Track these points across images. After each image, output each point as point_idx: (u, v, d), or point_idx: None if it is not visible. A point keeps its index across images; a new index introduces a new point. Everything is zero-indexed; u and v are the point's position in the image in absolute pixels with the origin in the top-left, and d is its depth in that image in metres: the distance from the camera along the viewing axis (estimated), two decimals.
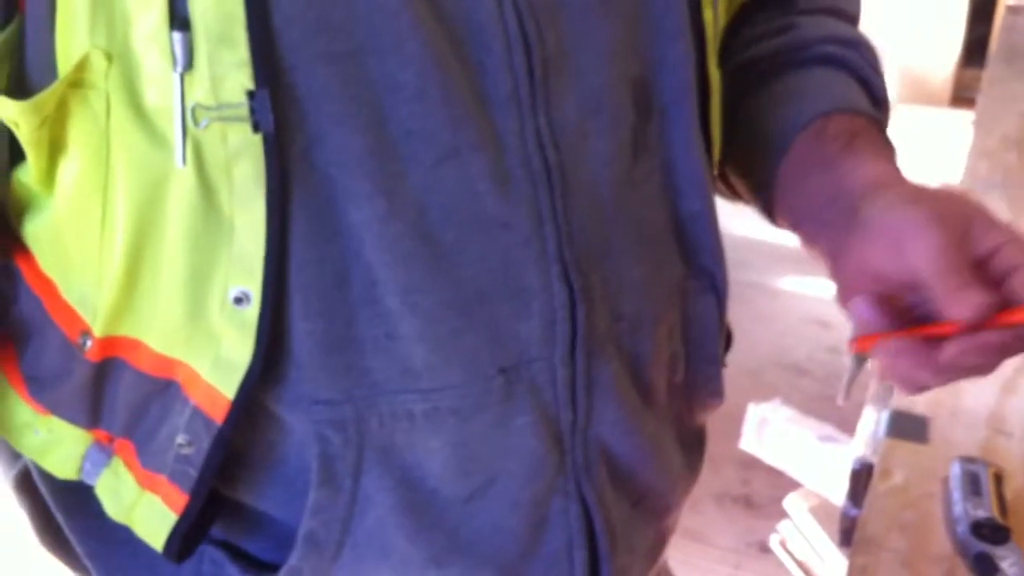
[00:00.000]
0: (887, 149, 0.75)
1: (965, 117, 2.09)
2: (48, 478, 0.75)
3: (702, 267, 0.76)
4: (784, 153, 0.76)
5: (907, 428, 1.02)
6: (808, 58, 0.81)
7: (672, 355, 0.76)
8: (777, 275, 3.35)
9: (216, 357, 0.63)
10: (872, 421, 1.68)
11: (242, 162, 0.59)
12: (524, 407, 0.68)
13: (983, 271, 0.61)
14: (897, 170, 0.72)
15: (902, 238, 0.63)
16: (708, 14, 0.72)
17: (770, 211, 0.79)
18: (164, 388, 0.66)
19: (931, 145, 3.04)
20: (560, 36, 0.64)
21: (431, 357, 0.65)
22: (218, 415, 0.64)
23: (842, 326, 2.38)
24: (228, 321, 0.62)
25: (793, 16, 0.84)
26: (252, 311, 0.61)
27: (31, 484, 0.79)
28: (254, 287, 0.61)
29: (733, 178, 0.84)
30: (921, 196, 0.65)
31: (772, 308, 3.14)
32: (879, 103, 0.80)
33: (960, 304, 0.59)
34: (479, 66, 0.62)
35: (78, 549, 0.77)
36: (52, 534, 0.79)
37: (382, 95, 0.60)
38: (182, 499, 0.66)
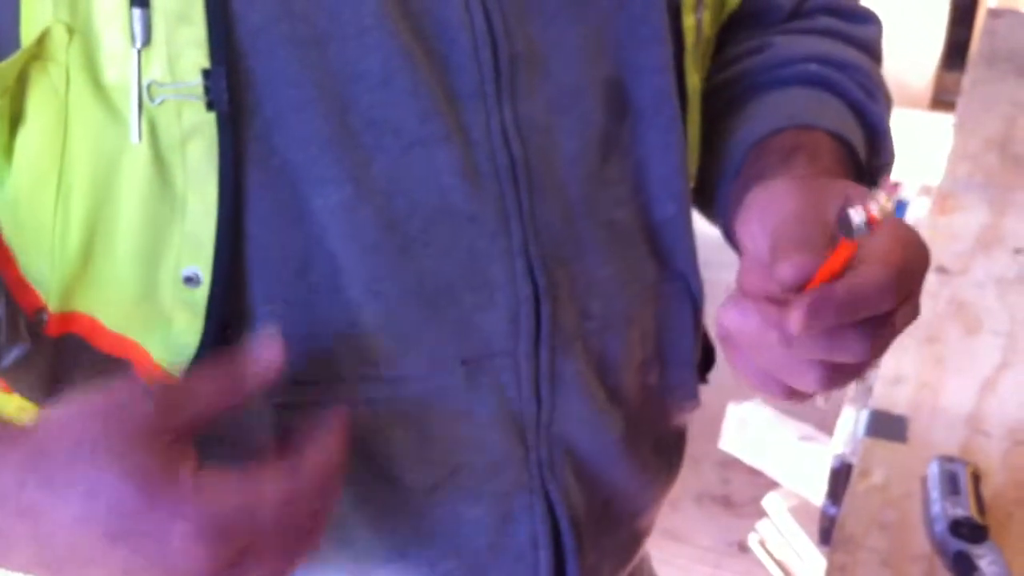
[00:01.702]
0: (832, 164, 0.70)
1: (946, 120, 2.10)
2: None
3: (676, 271, 0.75)
4: (735, 176, 0.74)
5: (886, 428, 1.03)
6: (786, 77, 0.78)
7: (644, 358, 0.76)
8: None
9: (167, 338, 0.63)
10: (851, 421, 1.69)
11: (196, 140, 0.59)
12: (487, 400, 0.68)
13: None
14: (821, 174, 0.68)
15: (764, 213, 0.60)
16: (688, 20, 0.72)
17: (729, 237, 0.76)
18: (121, 368, 0.66)
19: (912, 148, 3.05)
20: (529, 35, 0.64)
21: (393, 346, 0.65)
22: None
23: None
24: (179, 301, 0.62)
25: (772, 35, 0.81)
26: (202, 292, 0.61)
27: None
28: (204, 267, 0.61)
29: (701, 205, 0.82)
30: (795, 179, 0.63)
31: None
32: (875, 130, 0.76)
33: (782, 266, 0.55)
34: (445, 60, 0.62)
35: None
36: None
37: (345, 83, 0.60)
38: None
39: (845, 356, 0.56)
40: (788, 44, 0.79)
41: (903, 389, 1.08)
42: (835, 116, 0.74)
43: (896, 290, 0.55)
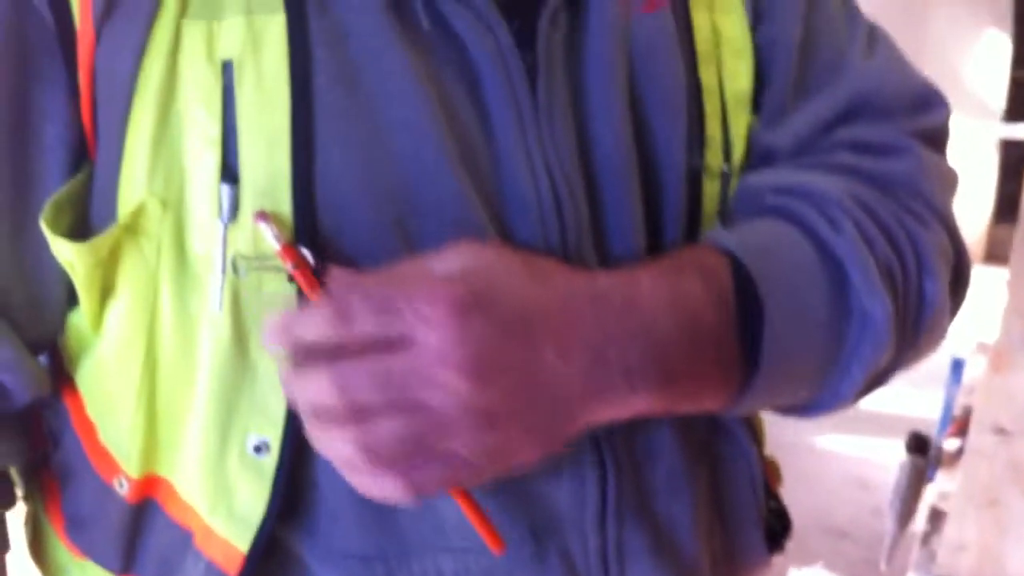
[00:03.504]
0: (672, 268, 0.64)
1: (1000, 274, 2.09)
2: None
3: (726, 428, 0.75)
4: None
5: None
6: (747, 211, 0.70)
7: (709, 522, 0.75)
8: (816, 434, 3.32)
9: (231, 508, 0.63)
10: None
11: (274, 311, 0.60)
12: (555, 572, 0.67)
13: None
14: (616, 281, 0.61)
15: None
16: (710, 186, 0.70)
17: None
18: (185, 538, 0.66)
19: (966, 303, 3.03)
20: (592, 204, 0.65)
21: (462, 517, 0.64)
22: (232, 569, 0.63)
23: (884, 487, 2.35)
24: (246, 470, 0.62)
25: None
26: (270, 461, 0.62)
27: None
28: (274, 436, 0.61)
29: None
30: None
31: (812, 468, 3.10)
32: (839, 261, 0.66)
33: None
34: (514, 231, 0.63)
35: None
36: None
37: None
38: None
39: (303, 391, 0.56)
40: (751, 179, 0.72)
41: (966, 556, 1.05)
42: (747, 237, 0.66)
43: (329, 313, 0.54)
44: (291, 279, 0.59)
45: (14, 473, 0.76)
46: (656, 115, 0.67)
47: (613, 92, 0.65)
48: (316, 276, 0.58)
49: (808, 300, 0.64)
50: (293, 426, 0.61)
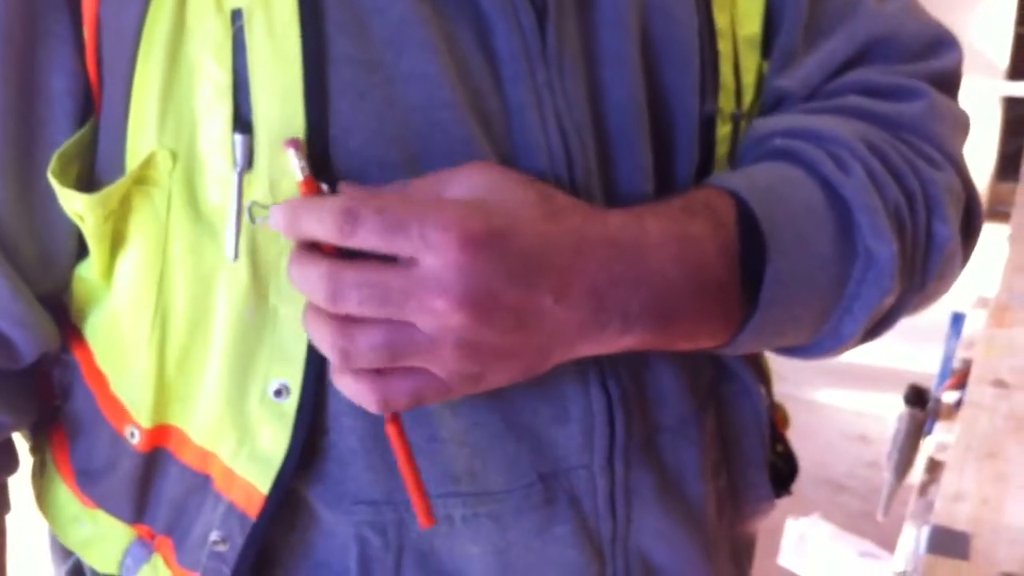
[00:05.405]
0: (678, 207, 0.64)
1: (1001, 231, 2.09)
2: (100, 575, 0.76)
3: (731, 370, 0.76)
4: None
5: (948, 544, 1.01)
6: (754, 156, 0.70)
7: (715, 462, 0.76)
8: (814, 388, 3.33)
9: (252, 450, 0.64)
10: (912, 537, 1.66)
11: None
12: (563, 515, 0.68)
13: None
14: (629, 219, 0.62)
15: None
16: (723, 130, 0.70)
17: None
18: (201, 483, 0.67)
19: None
20: (601, 152, 0.66)
21: (472, 461, 0.65)
22: (252, 510, 0.64)
23: (882, 441, 2.37)
24: (267, 413, 0.63)
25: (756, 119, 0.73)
26: (291, 403, 0.62)
27: None
28: (294, 379, 0.62)
29: None
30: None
31: (810, 422, 3.11)
32: (847, 203, 0.65)
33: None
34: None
35: None
36: None
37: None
38: None
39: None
40: (760, 123, 0.71)
41: (964, 506, 1.07)
42: (753, 179, 0.66)
43: (332, 216, 0.55)
44: None
45: (20, 434, 0.77)
46: (668, 61, 0.67)
47: (624, 38, 0.65)
48: None
49: (812, 240, 0.64)
50: (313, 365, 0.62)
